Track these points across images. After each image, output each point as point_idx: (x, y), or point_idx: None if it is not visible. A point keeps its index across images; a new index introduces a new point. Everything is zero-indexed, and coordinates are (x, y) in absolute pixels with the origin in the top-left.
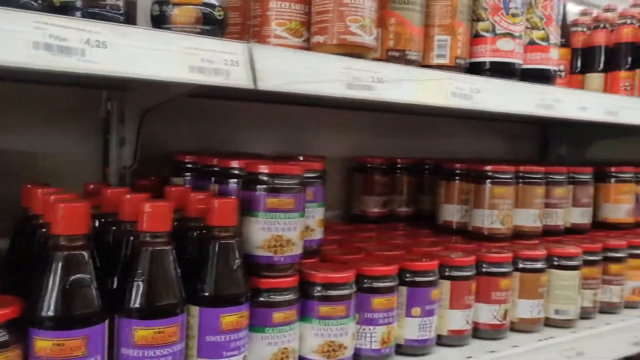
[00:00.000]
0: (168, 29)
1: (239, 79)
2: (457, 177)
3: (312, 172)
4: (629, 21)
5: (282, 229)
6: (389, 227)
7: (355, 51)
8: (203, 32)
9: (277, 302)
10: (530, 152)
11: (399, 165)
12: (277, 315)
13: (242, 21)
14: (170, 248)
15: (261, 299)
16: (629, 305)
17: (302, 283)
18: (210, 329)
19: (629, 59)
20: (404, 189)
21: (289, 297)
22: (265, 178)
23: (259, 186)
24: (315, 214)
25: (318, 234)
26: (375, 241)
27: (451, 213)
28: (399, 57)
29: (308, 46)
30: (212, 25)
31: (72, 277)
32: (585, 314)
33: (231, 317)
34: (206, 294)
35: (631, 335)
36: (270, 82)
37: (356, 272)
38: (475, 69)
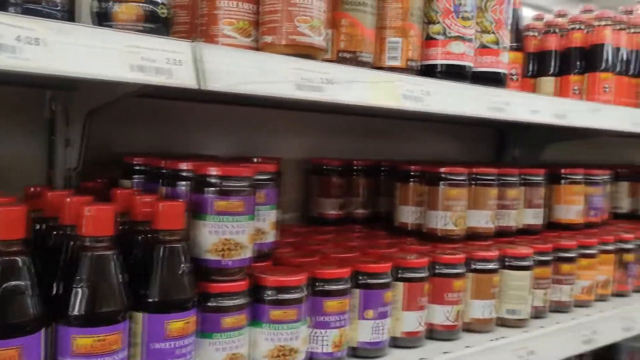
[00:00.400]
0: (109, 26)
1: (182, 78)
2: (412, 179)
3: (264, 174)
4: (578, 27)
5: (231, 232)
6: (346, 229)
7: (305, 52)
8: (146, 30)
9: (226, 307)
10: (486, 155)
11: (355, 167)
12: (226, 321)
13: (190, 20)
14: (112, 253)
15: (210, 304)
16: (579, 304)
17: (252, 287)
18: (155, 336)
19: (579, 63)
20: (361, 191)
21: (239, 301)
22: (214, 180)
23: (207, 189)
24: (268, 217)
25: (271, 237)
26: (331, 243)
27: (406, 215)
28: (351, 59)
29: (257, 46)
30: (156, 23)
31: (6, 284)
32: (537, 313)
33: (177, 324)
34: (151, 299)
35: (581, 333)
36: (216, 82)
37: (308, 275)
38: (427, 71)
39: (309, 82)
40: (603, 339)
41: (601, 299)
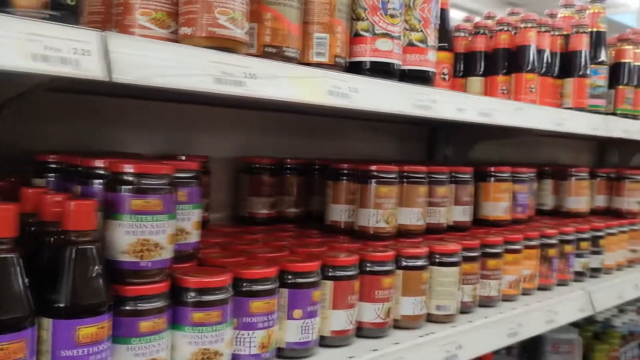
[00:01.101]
0: (9, 12)
1: (90, 69)
2: (343, 178)
3: (186, 172)
4: (505, 28)
5: (149, 232)
6: (277, 228)
7: (226, 45)
8: (52, 18)
9: (144, 310)
10: (420, 153)
11: (287, 166)
12: (145, 325)
13: (105, 10)
14: (14, 256)
15: (127, 307)
16: (506, 299)
17: (174, 289)
18: (65, 342)
19: (506, 64)
20: (293, 190)
21: (158, 304)
22: (130, 178)
23: (123, 187)
24: (191, 216)
25: (194, 237)
26: (261, 243)
27: (338, 213)
28: (276, 54)
29: (175, 38)
30: (62, 10)
31: None
32: (465, 309)
33: (89, 329)
34: (60, 304)
35: (507, 327)
36: (129, 74)
37: (233, 275)
38: (355, 68)
39: (229, 76)
40: (527, 332)
41: (527, 292)
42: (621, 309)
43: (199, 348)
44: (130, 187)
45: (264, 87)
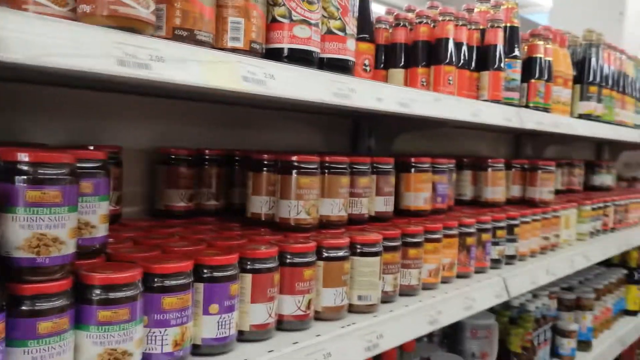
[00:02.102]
0: None
1: None
2: (264, 168)
3: (91, 162)
4: (424, 21)
5: (47, 225)
6: (195, 222)
7: (129, 24)
8: None
9: (43, 310)
10: (342, 145)
11: (206, 157)
12: (44, 325)
13: None
14: None
15: (23, 307)
16: (426, 287)
17: (77, 286)
18: None
19: (425, 56)
20: (212, 182)
21: (59, 303)
22: (25, 168)
23: (16, 177)
24: (97, 209)
25: (102, 231)
26: (177, 237)
27: (259, 205)
28: (187, 37)
29: (75, 17)
30: None
31: None
32: (386, 298)
33: None
34: None
35: (427, 315)
36: (17, 53)
37: (143, 270)
38: (273, 55)
39: (134, 58)
40: (447, 319)
41: (446, 281)
42: (535, 294)
43: (105, 348)
44: (25, 177)
45: (172, 71)
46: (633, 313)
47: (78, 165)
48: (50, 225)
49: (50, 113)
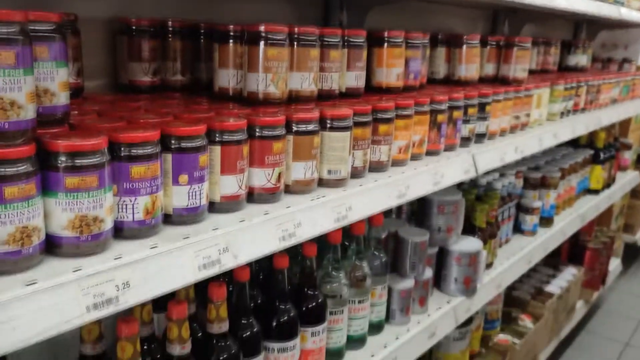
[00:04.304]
0: None
1: None
2: (231, 40)
3: (45, 24)
4: None
5: (2, 89)
6: (161, 97)
7: None
8: None
9: (7, 175)
10: (314, 20)
11: (170, 28)
12: (10, 190)
13: None
14: None
15: None
16: (396, 164)
17: (42, 153)
18: None
19: None
20: (178, 55)
21: (23, 168)
22: None
23: None
24: (56, 76)
25: (63, 99)
26: (143, 110)
27: (226, 78)
28: None
29: None
30: None
31: None
32: (356, 173)
33: None
34: None
35: (395, 189)
36: None
37: (111, 139)
38: None
39: None
40: (415, 193)
41: (416, 157)
42: (502, 174)
43: (75, 214)
44: None
45: None
46: (595, 192)
47: (30, 27)
48: (5, 89)
49: None
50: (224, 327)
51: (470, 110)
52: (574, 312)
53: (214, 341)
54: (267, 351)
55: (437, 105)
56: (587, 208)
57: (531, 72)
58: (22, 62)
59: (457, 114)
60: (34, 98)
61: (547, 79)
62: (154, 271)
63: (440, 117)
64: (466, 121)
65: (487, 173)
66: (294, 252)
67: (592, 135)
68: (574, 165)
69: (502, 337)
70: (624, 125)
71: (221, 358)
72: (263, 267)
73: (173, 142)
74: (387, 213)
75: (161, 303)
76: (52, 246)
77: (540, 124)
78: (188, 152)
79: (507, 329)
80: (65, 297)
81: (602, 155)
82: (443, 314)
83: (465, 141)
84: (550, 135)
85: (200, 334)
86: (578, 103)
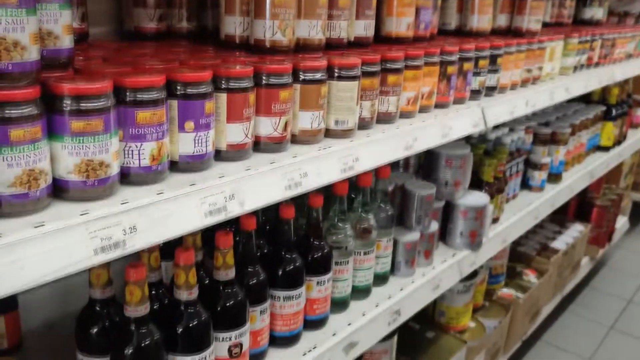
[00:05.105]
0: None
1: None
2: None
3: None
4: None
5: (4, 29)
6: (167, 44)
7: None
8: None
9: (12, 117)
10: None
11: None
12: (16, 133)
13: None
14: None
15: None
16: (404, 115)
17: (48, 97)
18: None
19: None
20: (184, 1)
21: (28, 111)
22: None
23: None
24: (59, 18)
25: (67, 43)
26: (148, 56)
27: (233, 26)
28: None
29: None
30: None
31: None
32: (363, 124)
33: None
34: None
35: (404, 140)
36: None
37: (115, 84)
38: None
39: None
40: (423, 145)
41: (424, 110)
42: (511, 129)
43: (81, 159)
44: None
45: None
46: (605, 149)
47: None
48: (8, 29)
49: None
50: (231, 274)
51: (481, 63)
52: (579, 269)
53: (221, 287)
54: (273, 299)
55: (448, 56)
56: (597, 165)
57: (545, 25)
58: (25, 1)
59: (468, 65)
60: (38, 40)
61: (561, 31)
62: (160, 216)
63: (450, 69)
64: (477, 73)
65: (496, 128)
66: (301, 203)
67: (605, 91)
68: (585, 122)
69: (505, 292)
70: (638, 81)
71: (228, 304)
72: (270, 218)
73: (179, 88)
74: (394, 166)
75: (169, 251)
76: (59, 190)
77: (552, 78)
78: (194, 98)
79: (511, 283)
80: (72, 239)
81: (614, 112)
82: (448, 267)
83: (475, 94)
84: (562, 90)
85: (207, 282)
86: (592, 57)
